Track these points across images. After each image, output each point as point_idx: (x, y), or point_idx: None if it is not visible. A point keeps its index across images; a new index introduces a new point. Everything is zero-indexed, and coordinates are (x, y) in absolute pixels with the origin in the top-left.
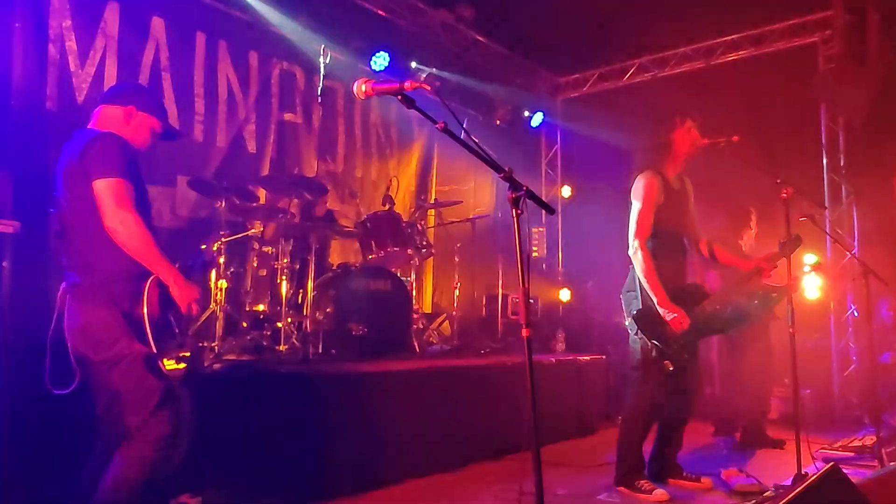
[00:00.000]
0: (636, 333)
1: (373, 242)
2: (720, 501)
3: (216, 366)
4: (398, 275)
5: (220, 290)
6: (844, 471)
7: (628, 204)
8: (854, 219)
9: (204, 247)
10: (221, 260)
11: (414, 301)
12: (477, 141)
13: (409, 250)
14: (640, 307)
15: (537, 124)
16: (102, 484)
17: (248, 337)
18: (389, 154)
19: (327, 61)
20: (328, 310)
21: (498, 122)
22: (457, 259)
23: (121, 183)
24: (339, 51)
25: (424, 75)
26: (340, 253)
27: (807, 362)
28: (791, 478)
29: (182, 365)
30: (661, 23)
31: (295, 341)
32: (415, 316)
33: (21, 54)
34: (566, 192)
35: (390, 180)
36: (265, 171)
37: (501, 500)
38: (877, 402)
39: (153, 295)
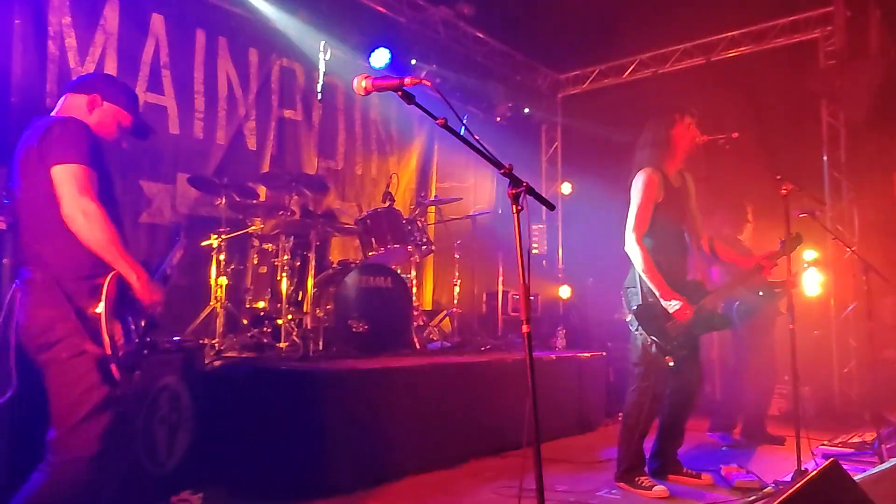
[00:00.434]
0: (636, 329)
1: (373, 239)
2: (720, 498)
3: (216, 363)
4: (398, 272)
5: (221, 287)
6: (844, 467)
7: (628, 201)
8: (855, 215)
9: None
10: (221, 257)
11: (414, 298)
12: (477, 137)
13: (409, 247)
14: (641, 303)
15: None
16: None
17: (249, 334)
18: (389, 151)
19: (327, 58)
20: (328, 307)
21: (498, 118)
22: (457, 256)
23: (83, 169)
24: (339, 48)
25: (424, 72)
26: (341, 250)
27: (807, 359)
28: (791, 474)
29: (135, 374)
30: (662, 19)
31: (295, 338)
32: (415, 313)
33: (21, 51)
34: (566, 188)
35: (390, 177)
36: (265, 169)
37: (502, 496)
38: (877, 398)
39: (112, 293)
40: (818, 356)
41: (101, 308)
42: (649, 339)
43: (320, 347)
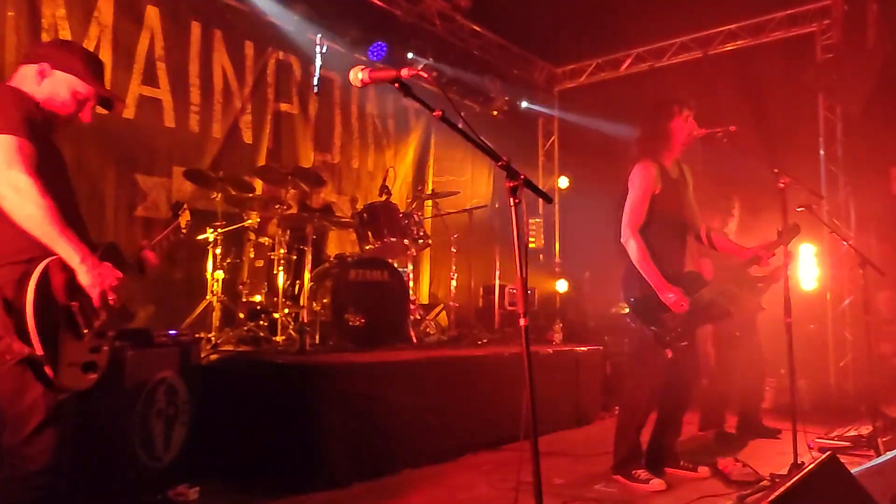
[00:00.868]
0: (634, 321)
1: (370, 233)
2: (717, 491)
3: (213, 357)
4: (395, 265)
5: (217, 281)
6: (841, 460)
7: (625, 193)
8: (851, 209)
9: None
10: (218, 251)
11: (411, 292)
12: (474, 130)
13: (405, 241)
14: (638, 295)
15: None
16: None
17: (245, 328)
18: (386, 145)
19: (323, 51)
20: (325, 300)
21: (495, 112)
22: (454, 249)
23: (14, 140)
24: (335, 41)
25: (421, 66)
26: (337, 243)
27: (803, 352)
28: (788, 467)
29: (90, 374)
30: (659, 13)
31: (292, 332)
32: (412, 306)
33: (14, 44)
34: (563, 182)
35: (387, 171)
36: (261, 162)
37: (499, 489)
38: (873, 392)
39: (48, 280)
40: (814, 350)
41: (28, 297)
42: (647, 331)
43: (317, 341)
